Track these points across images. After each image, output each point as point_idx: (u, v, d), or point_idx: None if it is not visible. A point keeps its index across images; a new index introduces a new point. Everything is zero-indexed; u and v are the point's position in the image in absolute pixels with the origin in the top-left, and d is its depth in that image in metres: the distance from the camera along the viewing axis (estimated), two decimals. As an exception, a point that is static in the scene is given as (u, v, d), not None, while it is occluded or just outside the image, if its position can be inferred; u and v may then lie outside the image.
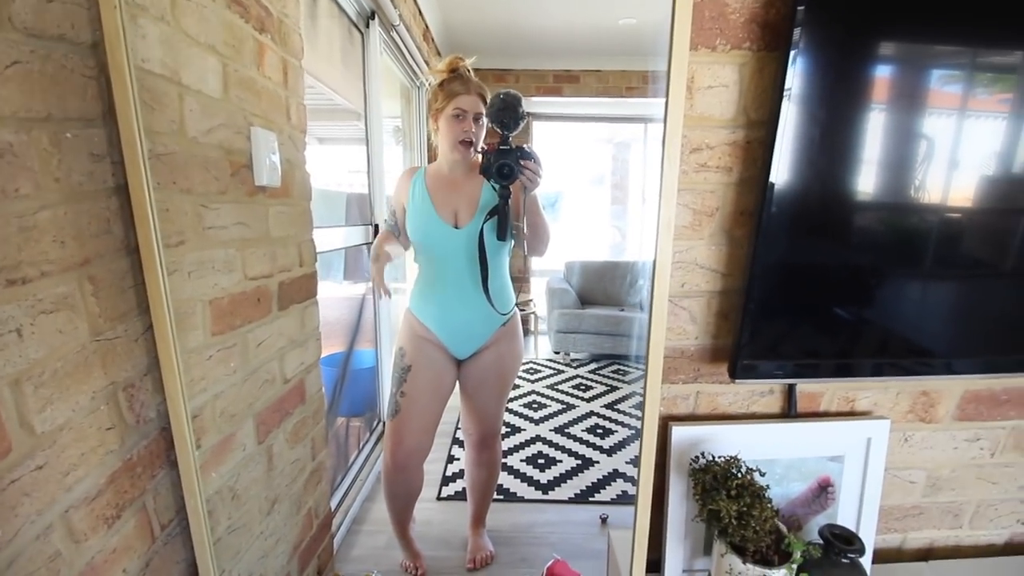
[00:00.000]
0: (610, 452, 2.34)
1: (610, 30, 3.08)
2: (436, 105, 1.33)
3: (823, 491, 0.87)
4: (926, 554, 0.99)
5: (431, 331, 1.38)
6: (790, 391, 0.86)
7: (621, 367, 3.47)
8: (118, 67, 0.61)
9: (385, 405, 2.39)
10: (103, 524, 0.64)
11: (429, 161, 3.00)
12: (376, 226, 2.19)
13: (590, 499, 1.98)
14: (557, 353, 3.67)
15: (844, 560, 0.74)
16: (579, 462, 2.24)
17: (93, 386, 0.62)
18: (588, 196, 4.85)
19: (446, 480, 2.09)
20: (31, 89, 0.54)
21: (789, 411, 0.87)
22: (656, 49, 3.24)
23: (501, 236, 1.28)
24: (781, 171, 0.68)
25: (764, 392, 0.87)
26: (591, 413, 2.75)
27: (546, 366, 3.51)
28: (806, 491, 0.87)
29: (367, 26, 2.14)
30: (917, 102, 0.73)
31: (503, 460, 2.23)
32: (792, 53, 0.64)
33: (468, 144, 1.30)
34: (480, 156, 1.28)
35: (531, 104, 3.89)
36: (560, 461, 2.25)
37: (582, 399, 2.94)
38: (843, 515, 0.88)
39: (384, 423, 2.40)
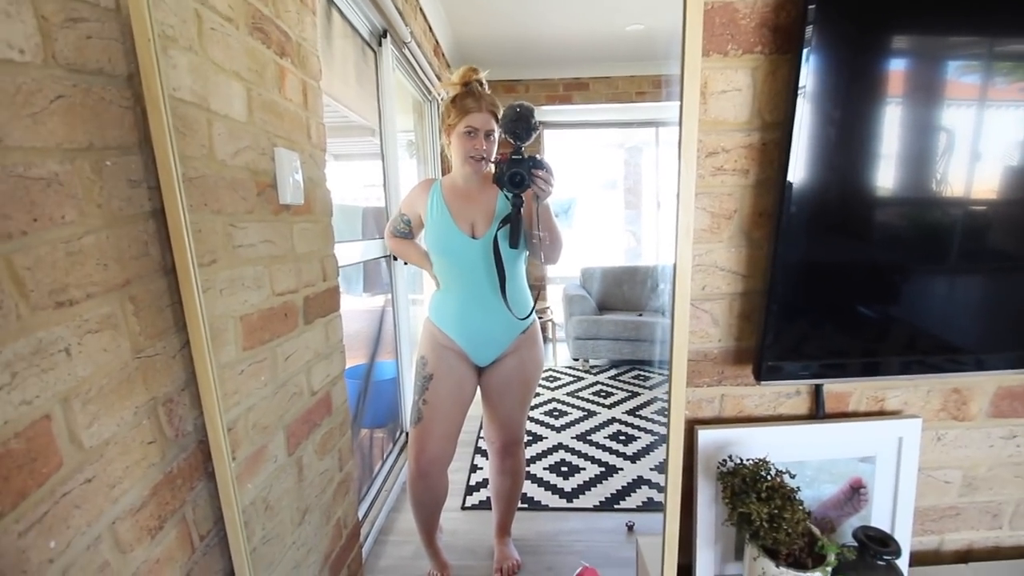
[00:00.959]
0: (634, 459, 2.32)
1: (618, 36, 3.10)
2: (448, 121, 1.35)
3: (855, 493, 0.86)
4: (965, 556, 0.97)
5: (451, 339, 1.40)
6: (817, 392, 0.85)
7: (641, 372, 3.45)
8: (153, 97, 0.64)
9: (407, 416, 2.42)
10: (147, 535, 0.66)
11: (442, 173, 3.05)
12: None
13: (615, 506, 1.96)
14: (576, 360, 3.66)
15: (880, 562, 0.73)
16: (603, 469, 2.23)
17: (135, 401, 0.65)
18: (601, 201, 4.86)
19: (470, 489, 2.09)
20: (74, 121, 0.58)
21: (817, 412, 0.86)
22: (667, 53, 3.25)
23: (513, 244, 1.30)
24: (798, 171, 0.69)
25: (791, 393, 0.87)
26: (613, 420, 2.74)
27: (566, 373, 3.50)
28: (838, 493, 0.86)
29: (379, 44, 2.19)
30: (934, 94, 0.72)
31: (527, 468, 2.24)
32: (804, 53, 0.65)
33: (480, 161, 1.32)
34: (493, 167, 1.30)
35: (542, 113, 3.91)
36: (583, 469, 2.24)
37: (603, 406, 2.93)
38: (877, 517, 0.87)
39: (406, 433, 2.42)
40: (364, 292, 2.40)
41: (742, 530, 0.74)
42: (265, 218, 0.97)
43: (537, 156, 1.26)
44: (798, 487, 0.73)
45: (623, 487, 2.09)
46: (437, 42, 2.95)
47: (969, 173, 0.75)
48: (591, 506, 1.97)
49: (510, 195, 1.26)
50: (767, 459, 0.76)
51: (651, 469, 2.23)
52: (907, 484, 0.85)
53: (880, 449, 0.85)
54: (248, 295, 0.90)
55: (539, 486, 2.11)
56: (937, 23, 0.70)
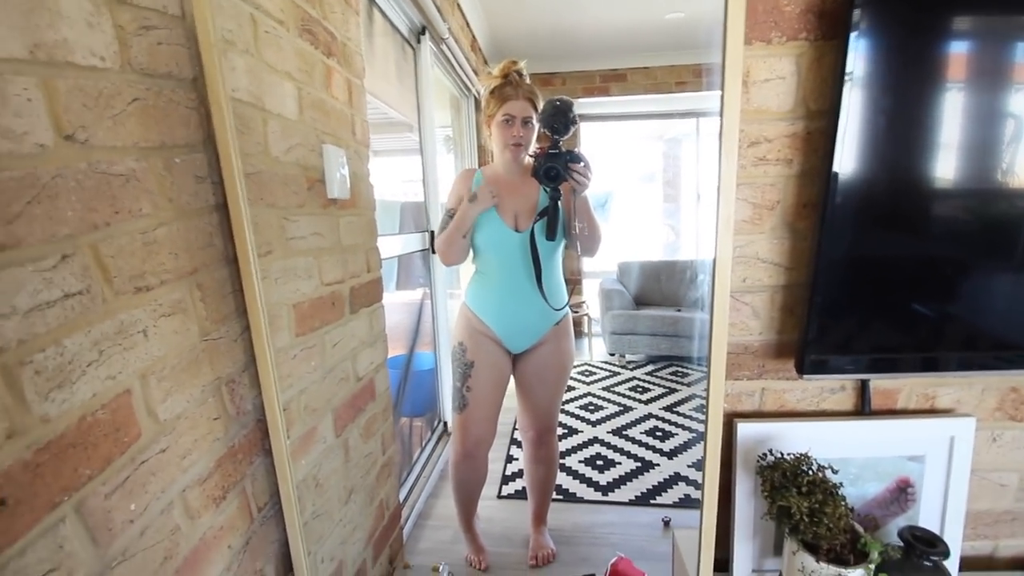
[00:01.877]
0: (671, 455, 2.30)
1: (656, 25, 3.04)
2: (488, 111, 1.38)
3: (902, 492, 0.84)
4: (1021, 563, 0.93)
5: (488, 326, 1.43)
6: (863, 387, 0.83)
7: (679, 369, 3.40)
8: (216, 98, 0.69)
9: (445, 405, 2.47)
10: (212, 503, 0.72)
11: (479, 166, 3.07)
12: (431, 232, 2.27)
13: (651, 502, 1.96)
14: (612, 355, 3.64)
15: (927, 563, 0.71)
16: (638, 464, 2.22)
17: (202, 380, 0.70)
18: (639, 195, 4.79)
19: (506, 479, 2.13)
20: (148, 121, 0.63)
21: (863, 408, 0.84)
22: (708, 41, 3.16)
23: (550, 236, 1.33)
24: (845, 161, 0.67)
25: (835, 389, 0.85)
26: (649, 415, 2.71)
27: (601, 368, 3.49)
28: (884, 492, 0.84)
29: (418, 41, 2.23)
30: (999, 79, 0.69)
31: (561, 460, 2.25)
32: (852, 38, 0.63)
33: (518, 147, 1.34)
34: (532, 160, 1.32)
35: (579, 106, 3.86)
36: (619, 463, 2.23)
37: (640, 401, 2.90)
38: (925, 518, 0.84)
39: (445, 423, 2.48)
40: (396, 289, 2.46)
41: (782, 524, 0.74)
42: (314, 211, 1.02)
43: (575, 150, 1.27)
44: (841, 483, 0.72)
45: (659, 483, 2.08)
46: (474, 37, 2.97)
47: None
48: (627, 500, 1.97)
49: (547, 188, 1.28)
50: (808, 454, 0.75)
51: (688, 466, 2.20)
52: (958, 485, 0.82)
53: (930, 448, 0.82)
54: (300, 284, 0.95)
55: (574, 478, 2.12)
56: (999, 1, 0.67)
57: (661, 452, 2.32)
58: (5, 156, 0.46)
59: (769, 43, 0.69)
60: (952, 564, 0.82)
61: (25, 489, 0.47)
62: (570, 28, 3.08)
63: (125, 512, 0.58)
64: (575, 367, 3.54)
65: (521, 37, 3.21)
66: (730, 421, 0.84)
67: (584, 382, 3.24)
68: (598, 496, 2.00)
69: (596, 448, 2.38)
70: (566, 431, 2.56)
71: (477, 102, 3.14)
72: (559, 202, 1.30)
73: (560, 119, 1.25)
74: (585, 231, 1.32)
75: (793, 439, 0.81)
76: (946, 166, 0.72)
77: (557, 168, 1.25)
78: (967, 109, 0.69)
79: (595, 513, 1.90)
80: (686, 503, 1.95)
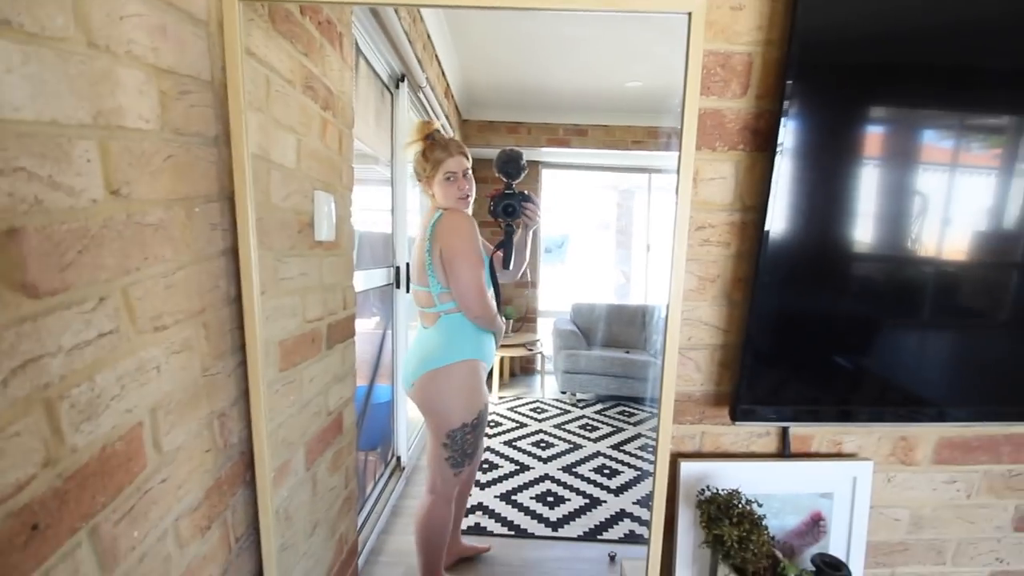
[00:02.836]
0: (617, 492, 2.40)
1: (617, 90, 3.32)
2: (425, 174, 1.48)
3: (815, 524, 0.97)
4: (914, 589, 1.08)
5: (485, 366, 1.52)
6: (784, 433, 0.98)
7: (627, 408, 3.55)
8: (238, 156, 0.76)
9: (400, 440, 2.49)
10: (199, 533, 0.75)
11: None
12: (397, 267, 2.34)
13: (598, 537, 2.04)
14: (564, 393, 3.76)
15: (833, 585, 0.84)
16: (587, 501, 2.31)
17: (199, 414, 0.75)
18: (594, 240, 5.04)
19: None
20: (178, 176, 0.69)
21: (784, 451, 0.98)
22: (664, 107, 3.47)
23: (505, 266, 1.51)
24: (771, 245, 0.83)
25: (762, 434, 0.99)
26: (598, 453, 2.82)
27: (553, 405, 3.59)
28: (800, 524, 0.97)
29: (397, 87, 2.35)
30: (895, 182, 0.87)
31: (513, 496, 2.31)
32: (778, 153, 0.80)
33: (466, 199, 1.49)
34: (489, 201, 1.49)
35: (541, 154, 4.11)
36: (568, 500, 2.32)
37: (589, 439, 3.02)
38: (834, 547, 0.98)
39: (398, 457, 2.48)
40: (357, 318, 2.48)
41: (716, 551, 0.85)
42: (303, 253, 1.08)
43: (525, 191, 1.48)
44: (764, 515, 0.85)
45: (606, 519, 2.17)
46: (448, 85, 3.14)
47: (907, 243, 0.90)
48: (575, 536, 2.05)
49: (503, 224, 1.47)
50: (739, 490, 0.88)
51: (633, 503, 2.31)
52: (860, 519, 0.97)
53: (837, 486, 0.97)
54: (286, 322, 1.01)
55: (525, 514, 2.18)
56: (897, 128, 0.87)
57: (608, 489, 2.42)
58: (66, 211, 0.53)
59: (714, 150, 0.85)
60: (856, 589, 0.96)
61: (53, 515, 0.51)
62: (538, 85, 3.31)
63: (129, 539, 0.61)
64: (527, 404, 3.63)
65: (492, 88, 3.41)
66: (674, 460, 0.95)
67: (536, 419, 3.33)
68: (548, 532, 2.07)
69: (547, 484, 2.45)
70: (518, 467, 2.62)
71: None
72: (512, 236, 1.49)
73: (512, 165, 1.45)
74: (524, 258, 1.57)
75: (727, 477, 0.94)
76: (849, 251, 0.89)
77: (513, 205, 1.45)
78: (866, 209, 0.87)
79: (545, 548, 1.97)
80: (631, 538, 2.04)
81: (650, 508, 0.90)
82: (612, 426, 3.23)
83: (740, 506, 0.84)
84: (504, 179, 1.45)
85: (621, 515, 2.20)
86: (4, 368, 0.46)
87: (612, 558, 1.91)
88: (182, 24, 0.69)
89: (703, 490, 0.92)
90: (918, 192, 0.87)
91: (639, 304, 4.25)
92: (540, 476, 2.54)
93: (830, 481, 0.97)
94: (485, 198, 1.51)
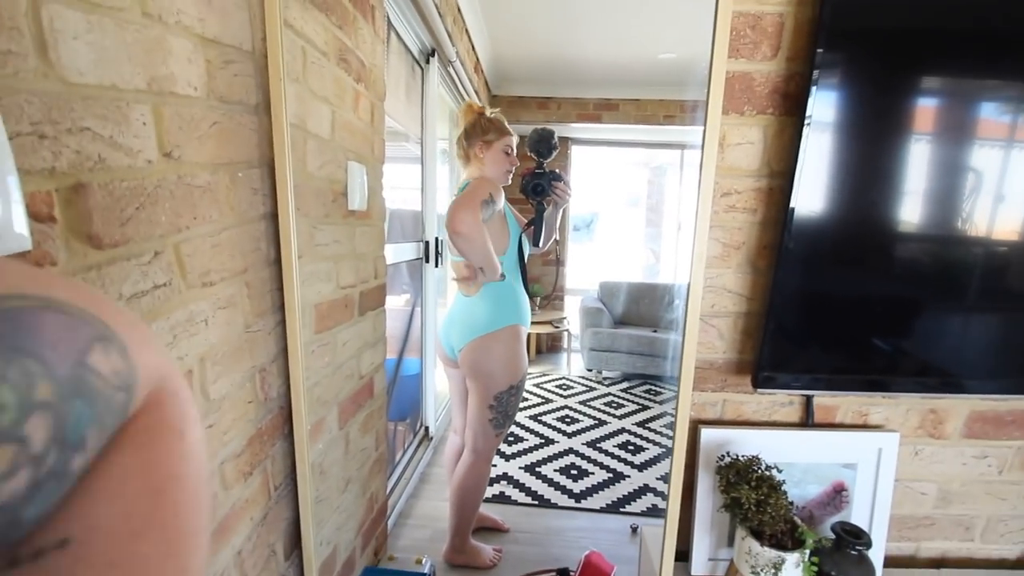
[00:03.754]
0: (641, 468, 2.43)
1: (650, 62, 3.25)
2: (485, 138, 1.52)
3: (837, 495, 0.98)
4: (939, 563, 1.07)
5: (526, 330, 1.58)
6: (808, 403, 0.98)
7: (653, 387, 3.55)
8: (278, 124, 0.80)
9: (428, 411, 2.57)
10: (242, 478, 0.81)
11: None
12: (427, 242, 2.38)
13: (621, 510, 2.08)
14: (590, 371, 3.78)
15: (852, 552, 0.84)
16: (610, 475, 2.34)
17: (243, 367, 0.80)
18: (624, 218, 4.98)
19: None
20: (222, 141, 0.74)
21: (807, 421, 0.98)
22: (699, 80, 3.38)
23: (535, 243, 1.58)
24: (799, 213, 0.82)
25: (784, 403, 0.99)
26: (622, 430, 2.85)
27: (578, 383, 3.62)
28: (822, 494, 0.98)
29: (427, 62, 2.37)
30: (937, 155, 0.85)
31: (537, 468, 2.36)
32: (808, 116, 0.78)
33: (511, 172, 1.55)
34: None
35: (571, 130, 4.07)
36: (592, 473, 2.35)
37: (614, 416, 3.04)
38: (856, 518, 0.98)
39: (427, 427, 2.57)
40: (388, 294, 2.55)
41: (734, 515, 0.87)
42: (336, 221, 1.13)
43: (556, 170, 1.52)
44: (784, 481, 0.86)
45: (629, 493, 2.20)
46: (478, 60, 3.13)
47: (933, 219, 0.87)
48: (598, 508, 2.09)
49: (534, 202, 1.52)
50: (759, 456, 0.89)
51: (657, 478, 2.33)
52: (884, 491, 0.97)
53: (861, 457, 0.96)
54: (321, 286, 1.06)
55: (549, 486, 2.23)
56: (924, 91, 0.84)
57: (632, 464, 2.45)
58: (126, 169, 0.57)
59: (742, 114, 0.84)
60: (877, 560, 0.96)
61: (118, 444, 0.57)
62: (569, 58, 3.26)
63: (182, 474, 0.67)
64: (553, 380, 3.67)
65: (521, 62, 3.38)
66: (695, 427, 0.97)
67: (562, 395, 3.36)
68: (571, 503, 2.11)
69: (571, 458, 2.49)
70: (543, 441, 2.67)
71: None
72: (543, 214, 1.54)
73: (544, 145, 1.50)
74: (551, 235, 1.63)
75: (747, 444, 0.95)
76: (879, 217, 0.87)
77: (543, 185, 1.51)
78: (891, 175, 0.85)
79: (568, 518, 2.01)
80: (653, 512, 2.07)
81: (670, 470, 0.92)
82: (638, 404, 3.24)
83: (759, 471, 0.85)
84: (535, 158, 1.50)
85: (644, 490, 2.23)
86: (75, 310, 0.51)
87: (634, 530, 1.94)
88: (224, -5, 0.73)
89: (723, 456, 0.93)
90: (969, 168, 0.84)
91: (667, 283, 4.21)
92: (564, 450, 2.58)
93: (854, 452, 0.97)
94: (517, 176, 1.56)
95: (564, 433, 2.78)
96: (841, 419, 0.99)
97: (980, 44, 0.79)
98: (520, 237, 1.55)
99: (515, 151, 1.55)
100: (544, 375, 3.81)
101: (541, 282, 4.38)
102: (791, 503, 0.85)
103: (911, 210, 0.86)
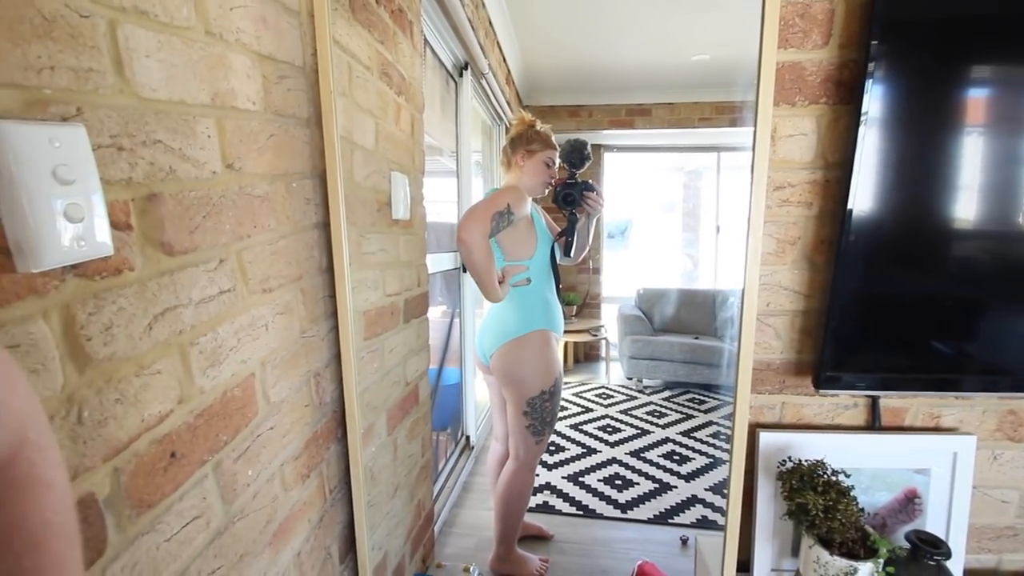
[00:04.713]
0: (688, 478, 2.35)
1: (682, 65, 3.21)
2: (530, 147, 1.53)
3: (910, 502, 0.92)
4: (1026, 579, 0.99)
5: (558, 336, 1.58)
6: (874, 404, 0.92)
7: (696, 396, 3.45)
8: (329, 136, 0.83)
9: (469, 421, 2.57)
10: (300, 480, 0.83)
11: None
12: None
13: (669, 521, 2.02)
14: (630, 379, 3.71)
15: (930, 562, 0.79)
16: (657, 485, 2.28)
17: (299, 371, 0.82)
18: (659, 224, 4.91)
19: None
20: (278, 153, 0.76)
21: (873, 424, 0.93)
22: (732, 81, 3.32)
23: (567, 253, 1.57)
24: (858, 205, 0.78)
25: (848, 405, 0.94)
26: (667, 439, 2.77)
27: (618, 391, 3.56)
28: (892, 501, 0.92)
29: (460, 75, 2.41)
30: (981, 137, 0.80)
31: (580, 478, 2.32)
32: (865, 104, 0.75)
33: (549, 184, 1.56)
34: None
35: (603, 137, 4.05)
36: (637, 483, 2.30)
37: (657, 425, 2.97)
38: (931, 527, 0.92)
39: (467, 437, 2.57)
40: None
41: (799, 523, 0.83)
42: (382, 230, 1.15)
43: (588, 181, 1.52)
44: (852, 486, 0.81)
45: (677, 504, 2.13)
46: (509, 71, 3.16)
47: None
48: (645, 518, 2.03)
49: (566, 212, 1.52)
50: (824, 460, 0.84)
51: (706, 489, 2.26)
52: (962, 498, 0.90)
53: (935, 462, 0.90)
54: (369, 294, 1.08)
55: (593, 495, 2.19)
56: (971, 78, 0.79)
57: (678, 475, 2.38)
58: (193, 180, 0.60)
59: (794, 105, 0.81)
60: (956, 572, 0.89)
61: (187, 446, 0.59)
62: (600, 65, 3.26)
63: (244, 476, 0.69)
64: (592, 389, 3.62)
65: (552, 72, 3.40)
66: (753, 431, 0.93)
67: (602, 404, 3.31)
68: (617, 513, 2.06)
69: (615, 468, 2.44)
70: (585, 450, 2.63)
71: (507, 129, 3.32)
72: (576, 224, 1.55)
73: (576, 156, 1.50)
74: (586, 243, 1.61)
75: (809, 449, 0.90)
76: (940, 212, 0.82)
77: (574, 195, 1.51)
78: (956, 164, 0.80)
79: (614, 529, 1.97)
80: (703, 524, 2.00)
81: (727, 482, 0.89)
82: (681, 413, 3.15)
83: (826, 475, 0.81)
84: (569, 169, 1.51)
85: (693, 500, 2.16)
86: (150, 313, 0.54)
87: (684, 542, 1.88)
88: (279, 14, 0.76)
89: (784, 461, 0.89)
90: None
91: (708, 289, 4.10)
92: (607, 460, 2.53)
93: (926, 456, 0.91)
94: (551, 186, 1.58)
95: (606, 443, 2.73)
96: (911, 422, 0.93)
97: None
98: (552, 244, 1.56)
99: (556, 164, 1.55)
100: (583, 384, 3.76)
101: (576, 290, 4.35)
102: (862, 510, 0.80)
103: (987, 203, 0.81)
